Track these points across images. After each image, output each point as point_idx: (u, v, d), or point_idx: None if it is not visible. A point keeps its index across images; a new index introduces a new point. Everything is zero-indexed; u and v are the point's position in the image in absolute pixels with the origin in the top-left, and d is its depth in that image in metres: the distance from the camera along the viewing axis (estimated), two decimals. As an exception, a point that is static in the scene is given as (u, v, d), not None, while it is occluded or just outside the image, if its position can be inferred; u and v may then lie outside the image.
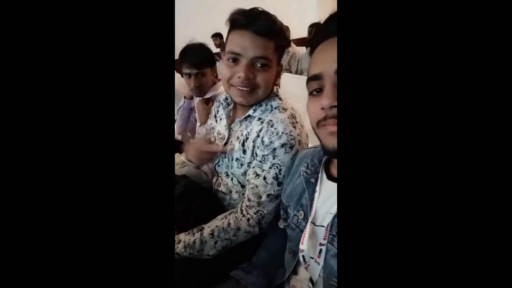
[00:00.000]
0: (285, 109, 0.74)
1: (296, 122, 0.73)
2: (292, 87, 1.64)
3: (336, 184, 0.53)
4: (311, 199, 0.56)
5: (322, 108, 0.46)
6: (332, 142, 0.47)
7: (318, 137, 0.51)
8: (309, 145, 0.75)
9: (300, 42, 3.34)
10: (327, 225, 0.50)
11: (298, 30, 3.26)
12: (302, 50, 3.24)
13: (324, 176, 0.57)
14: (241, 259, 0.70)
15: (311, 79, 0.49)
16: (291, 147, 0.69)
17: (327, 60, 0.47)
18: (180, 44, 1.04)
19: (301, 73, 2.93)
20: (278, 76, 0.77)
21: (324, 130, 0.48)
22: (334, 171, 0.56)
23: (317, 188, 0.56)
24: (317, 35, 0.51)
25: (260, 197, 0.70)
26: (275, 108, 0.74)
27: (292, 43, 3.32)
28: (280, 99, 0.77)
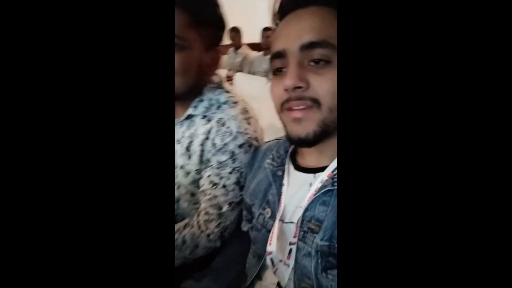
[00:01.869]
0: (235, 103, 0.65)
1: (250, 117, 0.65)
2: (247, 87, 1.62)
3: (305, 174, 0.48)
4: (279, 194, 0.50)
5: (286, 90, 0.41)
6: (296, 130, 0.43)
7: (283, 123, 0.46)
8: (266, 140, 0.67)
9: (253, 47, 3.36)
10: (297, 221, 0.44)
11: (251, 35, 3.28)
12: (255, 53, 3.26)
13: (292, 167, 0.52)
14: (200, 268, 0.62)
15: (274, 56, 0.44)
16: (250, 146, 0.62)
17: (291, 35, 0.42)
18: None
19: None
20: (213, 62, 0.64)
21: (287, 115, 0.43)
22: (301, 160, 0.51)
23: (285, 181, 0.50)
24: (283, 7, 0.46)
25: (221, 208, 0.61)
26: (223, 104, 0.65)
27: (243, 45, 3.33)
28: (228, 91, 0.67)
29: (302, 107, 0.41)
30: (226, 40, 0.76)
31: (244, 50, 3.31)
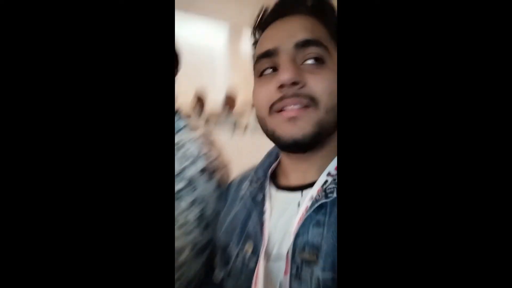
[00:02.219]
0: (196, 128, 0.57)
1: (213, 142, 0.57)
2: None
3: (291, 192, 0.42)
4: (261, 223, 0.41)
5: (281, 86, 0.38)
6: (290, 131, 0.38)
7: (269, 131, 0.41)
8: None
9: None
10: (287, 252, 0.36)
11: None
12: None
13: (274, 189, 0.45)
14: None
15: (261, 56, 0.41)
16: (213, 172, 0.51)
17: (282, 34, 0.40)
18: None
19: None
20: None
21: (278, 116, 0.39)
22: (284, 180, 0.44)
23: (267, 206, 0.42)
24: (266, 19, 0.45)
25: (179, 255, 0.47)
26: (182, 128, 0.55)
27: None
28: (188, 116, 0.60)
29: (297, 106, 0.38)
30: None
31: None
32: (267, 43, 0.41)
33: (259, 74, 0.42)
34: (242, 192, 0.47)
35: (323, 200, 0.37)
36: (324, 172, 0.39)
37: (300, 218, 0.37)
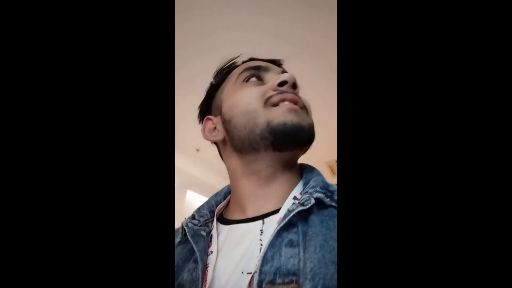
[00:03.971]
0: None
1: None
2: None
3: (249, 223, 0.36)
4: (203, 266, 0.33)
5: (281, 84, 0.37)
6: (295, 118, 0.36)
7: (261, 123, 0.37)
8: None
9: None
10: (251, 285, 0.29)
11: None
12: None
13: (222, 225, 0.38)
14: None
15: (250, 69, 0.42)
16: None
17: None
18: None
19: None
20: None
21: (279, 108, 0.37)
22: (238, 213, 0.39)
23: (213, 247, 0.35)
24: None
25: None
26: None
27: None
28: None
29: (296, 105, 0.38)
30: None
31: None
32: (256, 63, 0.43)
33: (245, 80, 0.42)
34: (181, 234, 0.39)
35: (300, 209, 0.31)
36: (290, 196, 0.36)
37: (268, 243, 0.31)
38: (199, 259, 0.33)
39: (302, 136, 0.37)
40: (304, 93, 0.42)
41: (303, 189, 0.36)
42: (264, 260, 0.29)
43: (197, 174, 3.04)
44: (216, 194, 0.45)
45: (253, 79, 0.41)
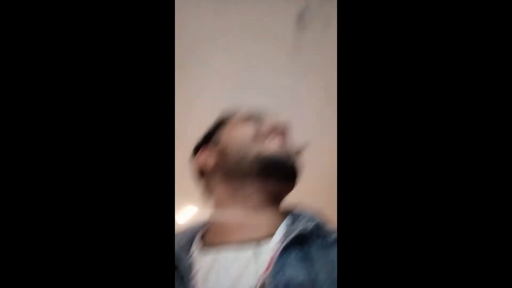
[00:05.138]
0: None
1: None
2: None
3: (237, 251, 0.35)
4: None
5: (269, 130, 0.43)
6: (286, 148, 0.43)
7: (251, 156, 0.40)
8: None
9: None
10: None
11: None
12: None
13: (204, 252, 0.37)
14: None
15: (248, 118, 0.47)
16: None
17: None
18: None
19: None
20: None
21: (269, 141, 0.42)
22: (218, 237, 0.38)
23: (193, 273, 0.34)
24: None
25: None
26: None
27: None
28: None
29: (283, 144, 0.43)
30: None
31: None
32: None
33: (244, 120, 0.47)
34: None
35: (307, 232, 0.33)
36: (283, 223, 0.38)
37: (271, 260, 0.31)
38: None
39: (292, 167, 0.41)
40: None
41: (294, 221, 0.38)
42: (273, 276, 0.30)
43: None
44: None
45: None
